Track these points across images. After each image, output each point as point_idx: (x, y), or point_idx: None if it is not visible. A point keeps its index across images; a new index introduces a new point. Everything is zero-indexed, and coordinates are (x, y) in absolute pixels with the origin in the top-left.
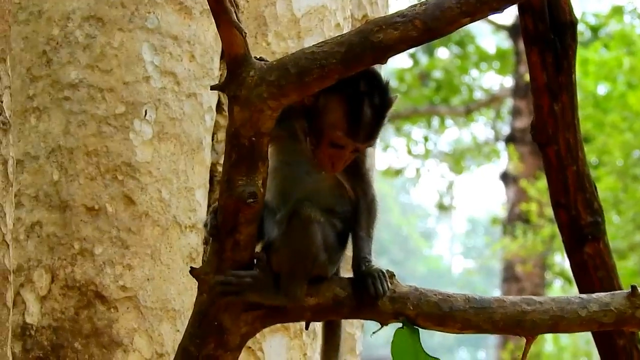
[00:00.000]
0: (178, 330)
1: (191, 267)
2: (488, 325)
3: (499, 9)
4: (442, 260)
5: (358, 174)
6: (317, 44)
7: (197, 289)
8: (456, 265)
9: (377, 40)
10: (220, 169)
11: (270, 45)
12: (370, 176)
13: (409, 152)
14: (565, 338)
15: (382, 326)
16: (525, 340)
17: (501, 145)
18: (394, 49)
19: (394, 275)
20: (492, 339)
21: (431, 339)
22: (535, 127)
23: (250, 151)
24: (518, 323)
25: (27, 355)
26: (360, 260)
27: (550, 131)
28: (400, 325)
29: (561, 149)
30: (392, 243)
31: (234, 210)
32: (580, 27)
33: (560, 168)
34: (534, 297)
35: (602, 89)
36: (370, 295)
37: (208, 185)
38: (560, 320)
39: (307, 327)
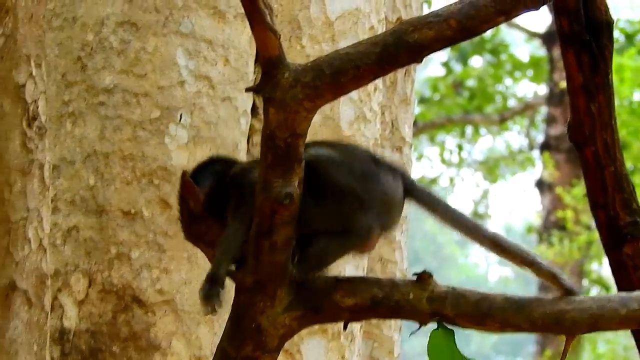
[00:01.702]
0: (215, 333)
1: (228, 269)
2: (527, 325)
3: (535, 6)
4: (478, 269)
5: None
6: (352, 44)
7: (234, 291)
8: (492, 274)
9: (412, 40)
10: None
11: (305, 49)
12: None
13: (443, 161)
14: (602, 345)
15: (420, 326)
16: (564, 342)
17: (535, 154)
18: (429, 49)
19: (432, 276)
20: (530, 347)
21: (468, 346)
22: (572, 127)
23: (286, 152)
24: (557, 322)
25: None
26: None
27: (587, 131)
28: (436, 326)
29: (599, 149)
30: (426, 252)
31: (271, 211)
32: (615, 34)
33: (598, 168)
34: (573, 296)
35: (638, 96)
36: None
37: None
38: (600, 319)
39: (345, 328)
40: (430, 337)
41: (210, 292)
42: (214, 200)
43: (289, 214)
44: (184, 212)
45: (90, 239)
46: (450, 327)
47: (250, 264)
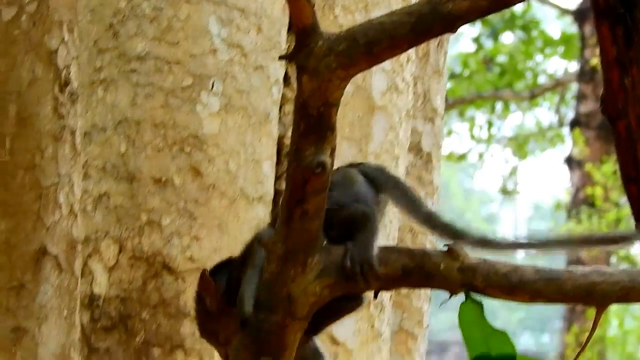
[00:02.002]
0: None
1: (259, 237)
2: (558, 296)
3: None
4: None
5: None
6: (386, 14)
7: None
8: (520, 250)
9: (446, 10)
10: (287, 142)
11: (337, 18)
12: None
13: (472, 137)
14: (630, 322)
15: (450, 296)
16: (590, 318)
17: (565, 130)
18: (463, 19)
19: (463, 247)
20: (557, 323)
21: (494, 322)
22: (605, 100)
23: (319, 121)
24: (588, 293)
25: (94, 325)
26: None
27: (620, 105)
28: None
29: (631, 122)
30: None
31: (302, 180)
32: None
33: (630, 142)
34: (605, 268)
35: None
36: None
37: (275, 157)
38: (631, 291)
39: (375, 297)
40: (460, 308)
41: None
42: (228, 298)
43: (320, 183)
44: (199, 309)
45: (120, 206)
46: (478, 298)
47: (281, 232)
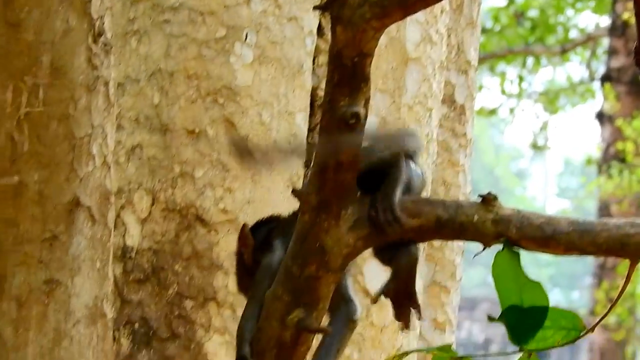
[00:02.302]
0: None
1: (293, 188)
2: (592, 248)
3: None
4: (536, 201)
5: None
6: None
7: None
8: (550, 206)
9: None
10: (321, 93)
11: None
12: None
13: (503, 91)
14: None
15: (484, 249)
16: (619, 275)
17: (596, 85)
18: None
19: (497, 198)
20: (587, 280)
21: None
22: (638, 51)
23: (353, 72)
24: (622, 246)
25: (127, 277)
26: None
27: None
28: (501, 248)
29: None
30: (484, 184)
31: (337, 131)
32: None
33: None
34: (639, 220)
35: None
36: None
37: (309, 109)
38: None
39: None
40: (495, 258)
41: None
42: (259, 254)
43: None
44: (239, 265)
45: (153, 157)
46: (515, 248)
47: (315, 183)
